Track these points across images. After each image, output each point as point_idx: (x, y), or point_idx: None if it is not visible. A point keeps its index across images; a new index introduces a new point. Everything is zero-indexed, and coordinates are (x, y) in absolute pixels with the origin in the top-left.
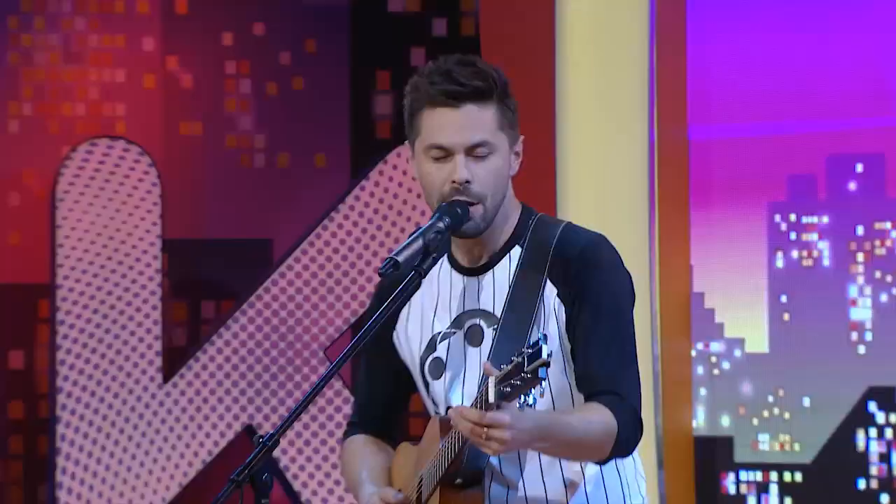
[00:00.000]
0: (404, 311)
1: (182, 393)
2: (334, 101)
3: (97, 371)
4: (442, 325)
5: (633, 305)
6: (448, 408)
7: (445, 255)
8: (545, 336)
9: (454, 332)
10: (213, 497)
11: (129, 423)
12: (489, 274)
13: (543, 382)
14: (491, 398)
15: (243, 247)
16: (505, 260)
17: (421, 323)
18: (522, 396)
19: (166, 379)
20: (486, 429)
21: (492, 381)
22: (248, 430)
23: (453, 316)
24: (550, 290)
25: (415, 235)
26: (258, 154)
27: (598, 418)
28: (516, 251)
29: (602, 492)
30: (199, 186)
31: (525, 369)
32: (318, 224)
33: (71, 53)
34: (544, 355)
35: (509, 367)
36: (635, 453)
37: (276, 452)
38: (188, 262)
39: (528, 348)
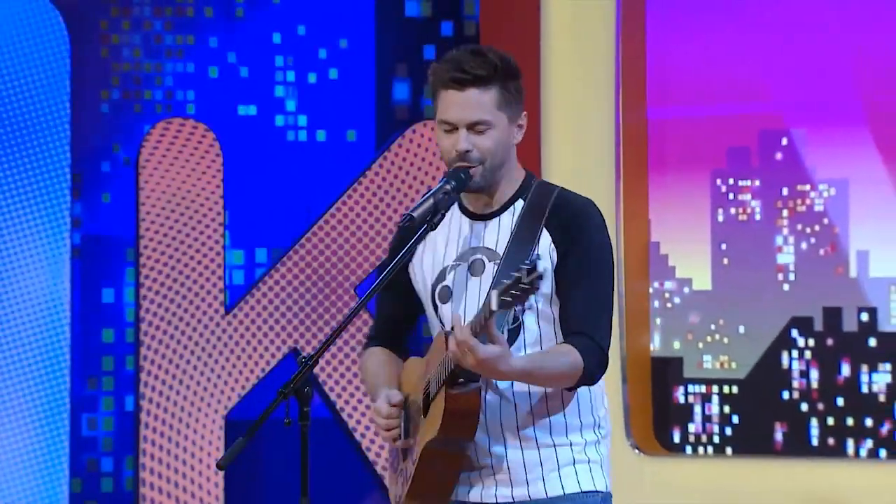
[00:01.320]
0: (420, 247)
1: (240, 322)
2: (362, 88)
3: (173, 304)
4: (450, 258)
5: (614, 265)
6: (453, 326)
7: (457, 203)
8: (539, 256)
9: (459, 265)
10: (266, 406)
11: (198, 346)
12: (495, 220)
13: (538, 291)
14: (494, 306)
15: (289, 205)
16: (510, 209)
17: (433, 257)
18: (519, 305)
19: (227, 311)
20: (468, 350)
21: (494, 293)
22: (294, 352)
23: (460, 251)
24: (546, 237)
25: (427, 196)
26: (301, 131)
27: (566, 361)
28: (519, 203)
29: (576, 405)
30: (253, 157)
31: (524, 280)
32: (349, 187)
33: (150, 49)
34: (540, 269)
35: (510, 280)
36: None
37: (316, 370)
38: (245, 217)
39: (525, 265)
